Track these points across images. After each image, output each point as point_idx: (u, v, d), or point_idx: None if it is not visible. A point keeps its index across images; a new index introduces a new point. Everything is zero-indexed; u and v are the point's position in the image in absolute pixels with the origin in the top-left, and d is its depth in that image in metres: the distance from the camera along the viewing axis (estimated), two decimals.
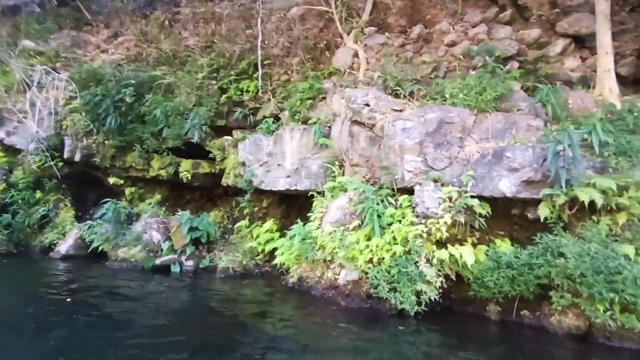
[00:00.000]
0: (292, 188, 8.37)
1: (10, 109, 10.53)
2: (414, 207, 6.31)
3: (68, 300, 6.31)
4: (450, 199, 6.01)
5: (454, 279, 6.08)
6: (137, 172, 11.03)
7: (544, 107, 6.49)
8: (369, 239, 6.41)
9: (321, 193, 7.87)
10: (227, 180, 10.04)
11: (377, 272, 6.06)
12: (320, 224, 7.18)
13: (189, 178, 10.61)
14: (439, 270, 5.95)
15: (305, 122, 8.93)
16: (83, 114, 10.58)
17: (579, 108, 6.43)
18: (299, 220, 7.74)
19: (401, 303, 5.83)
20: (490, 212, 5.93)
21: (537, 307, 5.62)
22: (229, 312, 6.12)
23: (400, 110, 6.96)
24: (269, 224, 9.27)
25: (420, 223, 6.11)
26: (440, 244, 6.14)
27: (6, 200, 10.04)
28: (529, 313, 5.66)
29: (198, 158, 10.83)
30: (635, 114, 5.99)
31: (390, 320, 5.86)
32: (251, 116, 10.27)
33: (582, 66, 7.52)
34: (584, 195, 5.25)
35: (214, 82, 10.61)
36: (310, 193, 7.91)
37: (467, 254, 5.85)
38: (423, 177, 6.36)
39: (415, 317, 5.77)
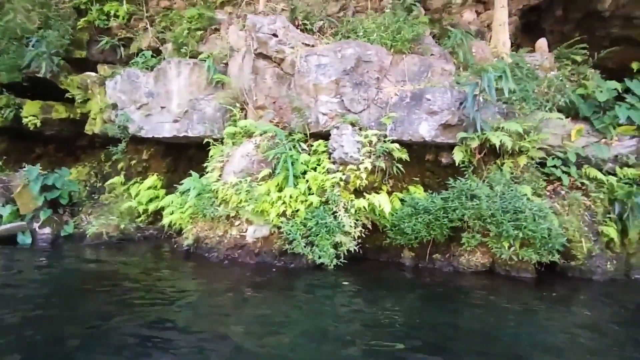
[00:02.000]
0: (181, 135, 6.66)
1: None
2: (330, 153, 5.42)
3: None
4: (370, 143, 5.28)
5: (370, 228, 5.51)
6: None
7: (452, 54, 6.12)
8: (280, 189, 5.34)
9: (219, 140, 6.42)
10: (93, 128, 7.66)
11: (292, 226, 5.09)
12: (220, 175, 5.81)
13: (38, 125, 7.82)
14: (357, 220, 5.28)
15: (194, 57, 7.11)
16: None
17: (481, 58, 6.24)
18: (192, 173, 6.20)
19: (319, 257, 5.02)
20: (407, 158, 5.42)
21: (447, 250, 5.44)
22: (104, 288, 4.42)
23: (312, 46, 5.83)
24: (152, 179, 7.43)
25: (338, 170, 5.27)
26: (357, 192, 5.45)
27: None
28: (440, 256, 5.44)
29: (49, 100, 8.05)
30: (526, 67, 6.02)
31: (306, 276, 5.02)
32: (122, 48, 7.89)
33: (477, 20, 7.42)
34: (495, 139, 5.06)
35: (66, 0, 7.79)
36: (206, 141, 6.38)
37: (385, 202, 5.29)
38: (340, 121, 5.46)
39: (332, 270, 5.06)
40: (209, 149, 6.43)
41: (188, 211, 5.92)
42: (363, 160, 5.19)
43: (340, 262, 5.09)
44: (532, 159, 5.32)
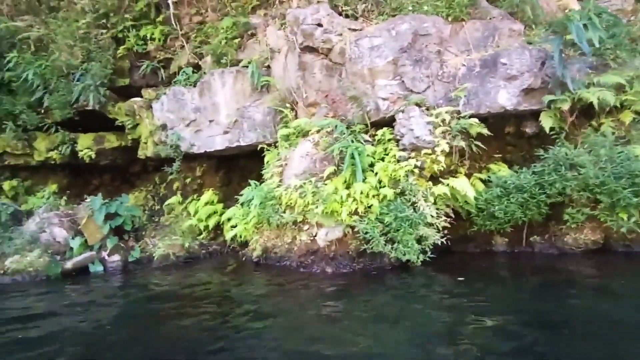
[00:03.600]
0: (234, 145, 6.26)
1: None
2: (398, 140, 4.79)
3: None
4: (443, 122, 4.60)
5: (452, 216, 4.81)
6: (15, 159, 7.75)
7: (514, 15, 5.32)
8: (348, 186, 4.78)
9: (272, 145, 5.96)
10: (145, 152, 7.45)
11: (367, 224, 4.50)
12: (280, 180, 5.32)
13: (93, 157, 7.74)
14: (438, 210, 4.61)
15: (234, 66, 6.73)
16: None
17: (548, 12, 5.40)
18: (251, 182, 5.76)
19: (404, 254, 4.39)
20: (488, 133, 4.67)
21: (546, 230, 4.64)
22: (183, 310, 4.02)
23: (360, 30, 5.23)
24: (208, 195, 7.08)
25: (410, 157, 4.63)
26: (433, 179, 4.78)
27: None
28: (539, 238, 4.65)
29: (100, 130, 7.96)
30: (606, 12, 5.11)
31: (391, 275, 4.40)
32: (162, 70, 7.64)
33: None
34: (592, 96, 4.22)
35: (104, 30, 7.64)
36: (261, 147, 5.93)
37: (467, 186, 4.58)
38: (403, 103, 4.83)
39: (419, 267, 4.41)
40: (263, 156, 6.00)
41: (252, 221, 5.47)
42: (438, 142, 4.51)
43: (428, 257, 4.43)
44: (638, 113, 4.43)
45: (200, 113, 6.55)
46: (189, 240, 6.67)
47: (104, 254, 6.47)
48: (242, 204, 5.85)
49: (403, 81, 4.84)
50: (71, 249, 6.43)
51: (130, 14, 7.62)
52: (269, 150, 5.88)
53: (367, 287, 4.16)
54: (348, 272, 4.63)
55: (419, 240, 4.49)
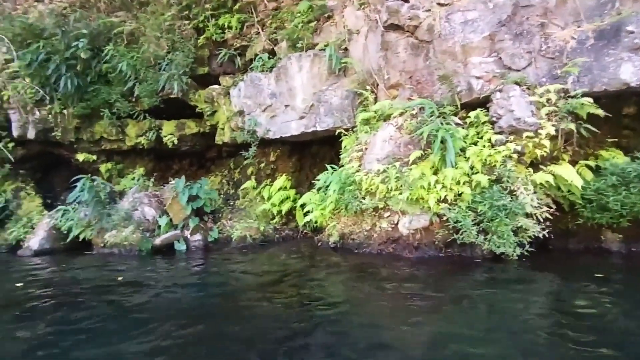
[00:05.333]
0: (309, 130, 6.25)
1: None
2: (494, 122, 4.41)
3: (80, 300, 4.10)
4: (549, 101, 4.14)
5: (553, 207, 4.34)
6: (110, 144, 8.51)
7: None
8: (436, 171, 4.52)
9: (350, 130, 5.85)
10: (223, 137, 7.76)
11: (458, 213, 4.23)
12: (360, 165, 5.20)
13: (175, 142, 8.24)
14: (540, 200, 4.18)
15: (310, 49, 6.69)
16: (27, 79, 7.84)
17: None
18: (328, 167, 5.72)
19: (498, 247, 4.06)
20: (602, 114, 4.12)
21: None
22: (267, 291, 4.10)
23: (450, 4, 4.88)
24: (282, 180, 7.20)
25: (508, 141, 4.25)
26: (533, 165, 4.35)
27: None
28: None
29: (181, 118, 8.45)
30: None
31: (482, 269, 4.09)
32: (238, 57, 7.87)
33: None
34: None
35: (187, 22, 8.04)
36: (338, 132, 5.85)
37: (573, 174, 4.09)
38: (500, 82, 4.43)
39: (513, 261, 4.05)
40: (341, 141, 5.91)
41: (329, 207, 5.43)
42: (542, 124, 4.06)
43: (526, 251, 4.05)
44: None
45: (276, 98, 6.62)
46: (264, 224, 6.86)
47: (187, 233, 6.88)
48: (318, 190, 5.84)
49: (500, 58, 4.42)
50: (159, 226, 6.93)
51: (210, 4, 7.92)
52: (346, 135, 5.77)
53: (455, 278, 3.89)
54: (433, 262, 4.40)
55: (516, 232, 4.11)
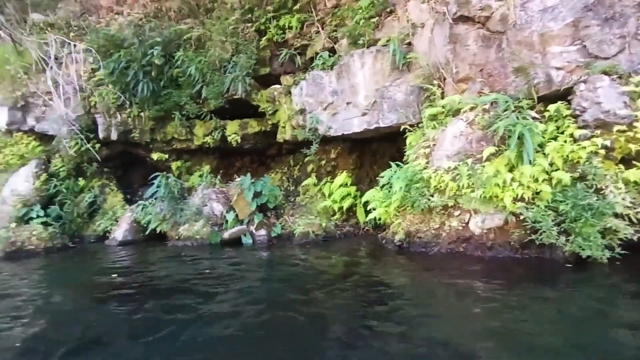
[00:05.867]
0: (372, 127, 6.28)
1: (34, 92, 8.72)
2: (577, 116, 4.15)
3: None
4: None
5: None
6: (180, 144, 9.19)
7: None
8: (511, 169, 4.35)
9: (415, 126, 5.79)
10: (284, 135, 8.04)
11: (537, 212, 4.04)
12: (427, 162, 5.15)
13: (239, 141, 8.68)
14: (634, 199, 3.86)
15: (371, 46, 6.69)
16: (110, 85, 8.69)
17: None
18: (392, 164, 5.71)
19: (583, 249, 3.83)
20: None
21: None
22: (334, 286, 4.19)
23: None
24: (342, 177, 7.31)
25: (594, 135, 3.97)
26: (623, 161, 4.02)
27: (50, 191, 8.44)
28: None
29: (244, 117, 8.88)
30: None
31: (563, 272, 3.88)
32: (298, 57, 8.08)
33: None
34: None
35: (250, 24, 8.40)
36: (403, 128, 5.82)
37: None
38: (585, 72, 4.14)
39: (602, 265, 3.78)
40: (405, 138, 5.86)
41: (394, 204, 5.43)
42: (638, 116, 3.74)
43: (617, 254, 3.77)
44: None
45: (338, 96, 6.73)
46: (325, 221, 7.02)
47: (252, 227, 7.26)
48: (381, 187, 5.86)
49: (585, 46, 4.12)
50: (226, 221, 7.39)
51: (271, 5, 8.20)
52: (411, 131, 5.72)
53: (534, 281, 3.73)
54: (509, 263, 4.25)
55: (603, 233, 3.84)
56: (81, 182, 9.01)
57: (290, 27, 8.09)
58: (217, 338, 2.95)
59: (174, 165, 9.46)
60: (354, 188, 7.24)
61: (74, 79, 8.57)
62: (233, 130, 8.75)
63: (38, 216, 8.07)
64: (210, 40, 8.52)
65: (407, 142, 5.71)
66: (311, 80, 6.98)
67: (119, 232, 8.02)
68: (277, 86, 8.10)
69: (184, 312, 3.52)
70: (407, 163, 5.52)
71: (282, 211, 7.79)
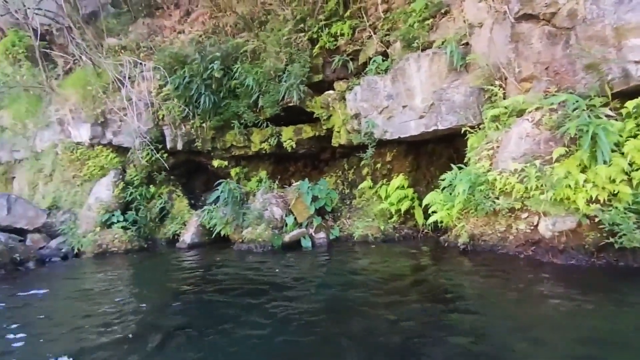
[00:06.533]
0: (430, 130, 6.33)
1: (112, 109, 9.73)
2: None
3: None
4: None
5: None
6: (238, 150, 9.78)
7: None
8: (583, 169, 4.24)
9: (475, 127, 5.77)
10: (339, 140, 8.29)
11: (615, 214, 3.91)
12: (491, 164, 5.12)
13: (294, 146, 9.08)
14: None
15: (426, 48, 6.74)
16: (175, 99, 9.46)
17: None
18: (453, 166, 5.73)
19: None
20: None
21: None
22: (401, 289, 4.30)
23: None
24: (399, 180, 7.40)
25: None
26: None
27: (127, 198, 9.38)
28: None
29: (297, 123, 9.25)
30: None
31: None
32: (351, 62, 8.28)
33: None
34: None
35: (302, 34, 8.74)
36: (464, 130, 5.81)
37: None
38: None
39: None
40: (458, 140, 5.86)
41: (456, 207, 5.46)
42: None
43: None
44: None
45: (393, 99, 6.84)
46: (383, 223, 7.16)
47: (311, 230, 7.58)
48: (442, 189, 5.90)
49: None
50: (286, 224, 7.77)
51: (323, 14, 8.50)
52: (472, 132, 5.71)
53: (615, 286, 3.62)
54: (583, 267, 4.14)
55: None
56: (152, 189, 9.89)
57: (342, 34, 8.32)
58: (286, 341, 3.17)
59: (233, 171, 10.08)
60: (411, 190, 7.31)
61: (145, 95, 9.44)
62: (288, 136, 9.14)
63: (118, 221, 9.00)
64: (265, 52, 8.99)
65: (468, 144, 5.70)
66: (365, 85, 7.16)
67: (188, 236, 8.72)
68: (331, 92, 8.36)
69: (250, 312, 3.83)
70: (469, 165, 5.52)
71: (339, 214, 8.04)
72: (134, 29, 10.70)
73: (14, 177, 11.26)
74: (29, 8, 9.72)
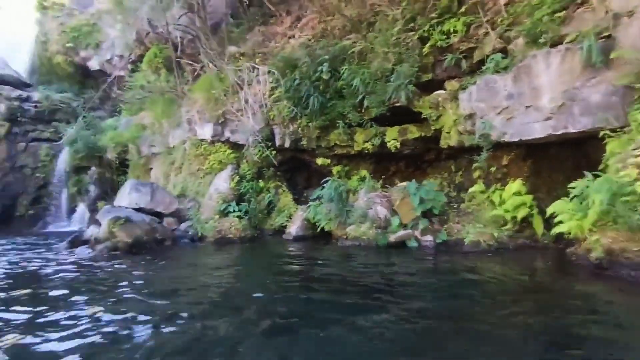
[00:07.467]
0: (558, 132, 5.89)
1: (230, 110, 10.97)
2: None
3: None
4: None
5: None
6: (341, 149, 10.22)
7: None
8: None
9: (617, 130, 5.22)
10: (448, 141, 8.14)
11: None
12: (639, 173, 4.61)
13: (398, 146, 9.18)
14: None
15: (556, 44, 6.25)
16: (285, 100, 10.26)
17: None
18: (593, 175, 5.26)
19: None
20: None
21: None
22: (520, 305, 4.13)
23: None
24: (516, 185, 7.00)
25: None
26: None
27: (241, 190, 10.50)
28: None
29: (402, 124, 9.31)
30: None
31: None
32: (464, 60, 8.06)
33: None
34: None
35: (412, 33, 8.76)
36: (603, 134, 5.31)
37: None
38: None
39: None
40: (588, 144, 5.35)
41: (590, 218, 5.02)
42: None
43: None
44: None
45: (514, 99, 6.51)
46: (496, 230, 6.88)
47: (416, 232, 7.62)
48: (571, 198, 5.47)
49: None
50: (390, 224, 7.94)
51: (435, 12, 8.40)
52: (612, 137, 5.19)
53: None
54: None
55: None
56: (261, 183, 10.91)
57: (455, 31, 8.13)
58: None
59: (334, 169, 10.57)
60: (529, 197, 6.87)
61: (259, 97, 10.43)
62: (392, 136, 9.27)
63: (234, 210, 10.12)
64: (372, 52, 9.24)
65: (607, 149, 5.19)
66: (483, 84, 6.93)
67: (294, 228, 9.43)
68: (441, 92, 8.25)
69: (353, 311, 3.94)
70: (607, 172, 5.03)
71: (445, 217, 7.92)
72: (250, 36, 11.86)
73: (151, 168, 13.40)
74: (171, 24, 11.45)
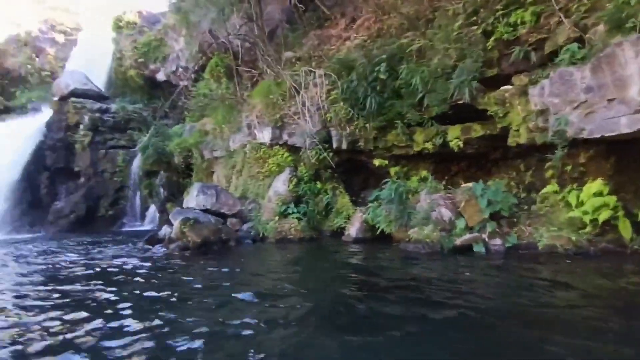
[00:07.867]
0: None
1: (288, 114, 11.31)
2: None
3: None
4: None
5: None
6: (399, 150, 10.09)
7: None
8: None
9: None
10: (517, 139, 7.72)
11: None
12: None
13: (461, 146, 8.86)
14: None
15: None
16: (342, 102, 10.35)
17: None
18: None
19: None
20: None
21: None
22: (609, 323, 3.82)
23: None
24: (596, 185, 6.48)
25: None
26: None
27: (299, 192, 10.78)
28: None
29: (465, 122, 8.98)
30: None
31: None
32: (533, 53, 7.60)
33: None
34: None
35: (474, 27, 8.43)
36: None
37: None
38: None
39: None
40: None
41: None
42: None
43: None
44: None
45: (594, 93, 6.03)
46: (574, 234, 6.42)
47: (484, 236, 7.33)
48: None
49: None
50: (455, 227, 7.71)
51: (500, 3, 8.02)
52: None
53: None
54: None
55: None
56: (319, 185, 11.11)
57: (522, 22, 7.69)
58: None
59: (392, 170, 10.47)
60: (613, 198, 6.33)
61: (317, 100, 10.63)
62: (455, 135, 8.99)
63: (293, 212, 10.43)
64: (432, 49, 9.03)
65: None
66: (557, 77, 6.50)
67: (353, 230, 9.50)
68: (508, 87, 7.85)
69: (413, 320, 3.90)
70: None
71: (515, 220, 7.54)
72: (306, 41, 12.14)
73: (213, 172, 14.21)
74: (231, 34, 12.08)
